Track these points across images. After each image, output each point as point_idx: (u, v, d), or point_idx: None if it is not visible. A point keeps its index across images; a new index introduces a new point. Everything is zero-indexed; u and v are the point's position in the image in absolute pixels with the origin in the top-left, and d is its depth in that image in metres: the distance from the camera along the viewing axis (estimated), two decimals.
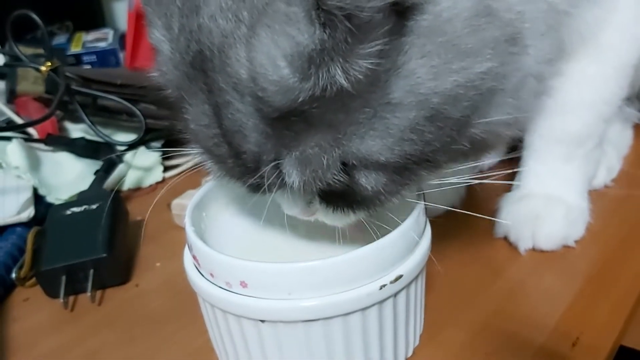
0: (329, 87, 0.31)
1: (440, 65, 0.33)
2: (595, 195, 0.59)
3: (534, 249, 0.54)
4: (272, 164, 0.35)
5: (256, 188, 0.37)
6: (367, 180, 0.36)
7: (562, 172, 0.56)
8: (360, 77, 0.32)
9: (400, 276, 0.38)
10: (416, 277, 0.40)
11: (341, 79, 0.31)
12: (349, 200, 0.38)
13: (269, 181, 0.35)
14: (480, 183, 0.50)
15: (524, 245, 0.54)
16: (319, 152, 0.34)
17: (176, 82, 0.37)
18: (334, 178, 0.35)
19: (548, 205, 0.55)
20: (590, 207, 0.57)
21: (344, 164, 0.35)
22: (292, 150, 0.34)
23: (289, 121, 0.33)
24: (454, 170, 0.39)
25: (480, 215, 0.45)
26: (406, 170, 0.36)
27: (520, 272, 0.52)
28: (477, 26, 0.33)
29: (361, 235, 0.40)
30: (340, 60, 0.31)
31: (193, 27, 0.34)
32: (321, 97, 0.32)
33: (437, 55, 0.33)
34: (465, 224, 0.44)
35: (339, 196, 0.38)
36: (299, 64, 0.31)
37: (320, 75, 0.31)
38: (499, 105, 0.36)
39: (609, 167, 0.63)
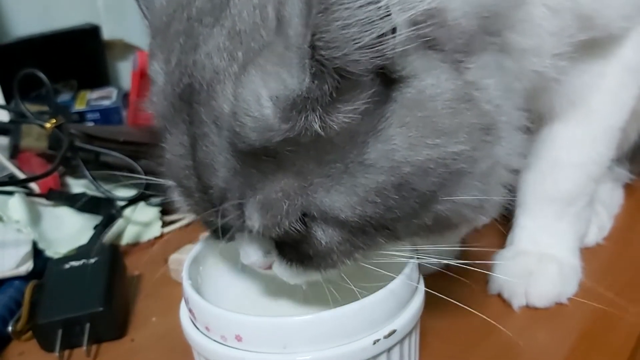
0: (304, 132, 0.33)
1: (417, 138, 0.35)
2: (587, 253, 0.59)
3: (527, 306, 0.54)
4: (236, 202, 0.35)
5: (217, 230, 0.38)
6: (323, 235, 0.37)
7: (554, 230, 0.57)
8: (337, 129, 0.33)
9: (394, 331, 0.38)
10: (410, 333, 0.40)
11: (317, 127, 0.33)
12: (301, 253, 0.38)
13: (229, 219, 0.36)
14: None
15: (517, 302, 0.54)
16: (282, 198, 0.35)
17: (162, 112, 0.39)
18: (292, 226, 0.36)
19: (541, 262, 0.56)
20: (583, 265, 0.57)
21: (304, 214, 0.36)
22: (256, 193, 0.35)
23: (260, 160, 0.34)
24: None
25: (476, 268, 0.46)
26: (364, 233, 0.37)
27: (514, 329, 0.51)
28: (456, 109, 0.35)
29: None
30: (320, 110, 0.33)
31: (189, 62, 0.36)
32: (296, 142, 0.33)
33: (415, 128, 0.35)
34: (459, 280, 0.45)
35: (292, 247, 0.38)
36: (282, 106, 0.32)
37: (299, 120, 0.33)
38: (466, 187, 0.37)
39: (600, 226, 0.64)
